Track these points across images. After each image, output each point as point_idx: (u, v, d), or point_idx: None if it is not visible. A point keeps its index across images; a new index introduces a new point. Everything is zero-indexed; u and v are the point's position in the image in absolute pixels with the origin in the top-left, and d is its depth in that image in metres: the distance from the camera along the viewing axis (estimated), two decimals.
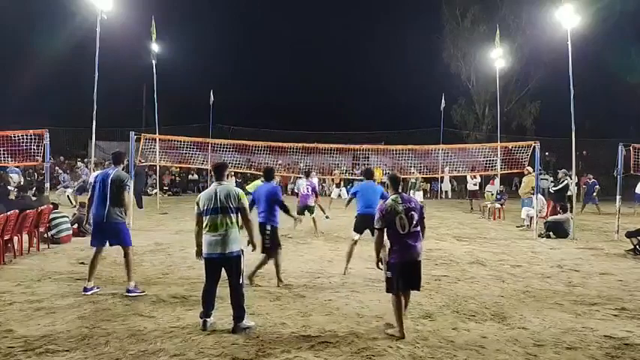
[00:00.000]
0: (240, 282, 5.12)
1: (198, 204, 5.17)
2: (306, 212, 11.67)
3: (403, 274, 4.97)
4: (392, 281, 5.00)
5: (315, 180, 13.78)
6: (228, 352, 4.46)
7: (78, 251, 8.91)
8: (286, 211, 7.06)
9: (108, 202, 6.22)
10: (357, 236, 7.59)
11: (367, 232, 7.16)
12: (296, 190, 13.81)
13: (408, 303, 5.26)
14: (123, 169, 6.61)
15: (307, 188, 11.88)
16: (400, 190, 5.18)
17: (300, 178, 12.97)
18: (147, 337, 4.78)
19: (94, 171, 12.01)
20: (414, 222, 4.98)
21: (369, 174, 8.17)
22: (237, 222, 5.13)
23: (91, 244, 6.43)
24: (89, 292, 6.20)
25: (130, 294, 6.14)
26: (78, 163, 20.67)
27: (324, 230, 11.73)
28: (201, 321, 5.06)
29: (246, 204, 5.27)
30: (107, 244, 6.39)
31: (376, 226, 5.09)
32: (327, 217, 11.75)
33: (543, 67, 29.42)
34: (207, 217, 5.07)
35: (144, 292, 6.25)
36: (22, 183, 15.41)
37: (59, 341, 4.64)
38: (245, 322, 5.05)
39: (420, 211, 5.08)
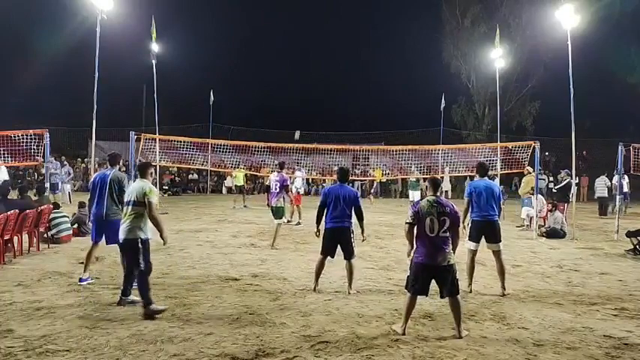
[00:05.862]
0: (141, 268, 5.50)
1: None
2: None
3: (425, 277, 4.99)
4: (409, 279, 5.09)
5: (295, 174, 12.37)
6: (228, 352, 4.46)
7: (78, 251, 8.90)
8: (361, 218, 6.57)
9: (106, 201, 6.62)
10: (474, 246, 6.78)
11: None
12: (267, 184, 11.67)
13: (459, 314, 5.02)
14: (120, 170, 7.05)
15: (276, 185, 10.08)
16: (439, 194, 5.21)
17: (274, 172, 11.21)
18: (147, 337, 4.78)
19: (96, 171, 12.01)
20: (445, 227, 4.98)
21: (484, 169, 7.00)
22: (136, 213, 5.56)
23: (92, 239, 6.87)
24: (84, 282, 6.64)
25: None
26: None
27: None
28: (119, 297, 5.78)
29: (154, 199, 5.60)
30: (103, 239, 6.76)
31: (407, 221, 5.18)
32: (297, 224, 10.62)
33: (543, 67, 29.46)
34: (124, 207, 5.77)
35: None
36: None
37: (59, 341, 4.64)
38: (153, 307, 5.41)
39: (453, 217, 5.05)
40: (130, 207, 5.60)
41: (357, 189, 26.37)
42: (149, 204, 5.54)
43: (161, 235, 5.60)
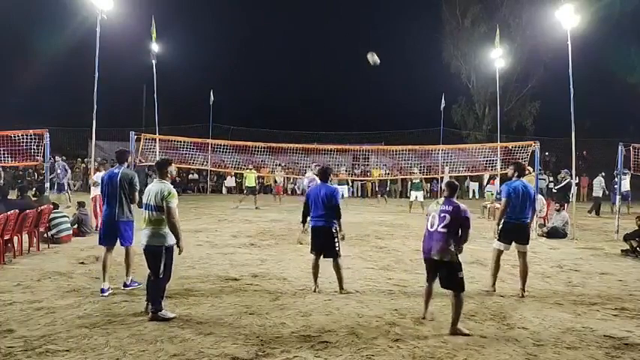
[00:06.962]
0: (160, 276, 5.32)
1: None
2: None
3: (428, 269, 5.38)
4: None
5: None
6: (228, 352, 4.46)
7: (78, 251, 8.92)
8: (339, 216, 6.49)
9: (117, 202, 6.38)
10: (501, 246, 6.70)
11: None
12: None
13: (457, 312, 5.07)
14: (127, 167, 6.76)
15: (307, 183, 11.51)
16: (452, 195, 5.33)
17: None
18: (147, 337, 4.79)
19: (97, 171, 11.97)
20: (444, 223, 5.14)
21: (522, 170, 6.98)
22: (157, 219, 5.32)
23: (101, 244, 6.48)
24: (105, 294, 6.15)
25: (126, 288, 6.43)
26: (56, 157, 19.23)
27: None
28: (145, 304, 5.49)
29: (173, 204, 5.28)
30: (117, 242, 6.52)
31: None
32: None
33: (543, 67, 29.44)
34: (143, 211, 5.46)
35: (140, 283, 6.40)
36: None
37: (59, 341, 4.64)
38: (162, 313, 5.28)
39: (458, 217, 5.11)
40: (149, 212, 5.31)
41: (357, 190, 26.41)
42: (168, 209, 5.22)
43: (177, 244, 5.34)
